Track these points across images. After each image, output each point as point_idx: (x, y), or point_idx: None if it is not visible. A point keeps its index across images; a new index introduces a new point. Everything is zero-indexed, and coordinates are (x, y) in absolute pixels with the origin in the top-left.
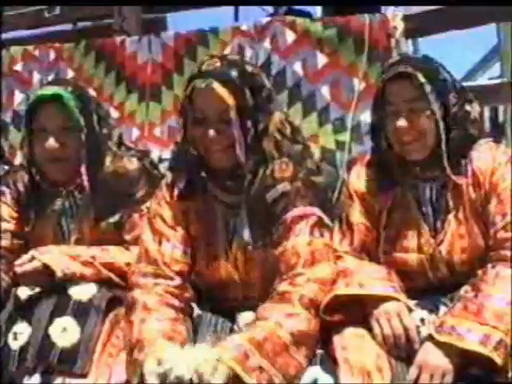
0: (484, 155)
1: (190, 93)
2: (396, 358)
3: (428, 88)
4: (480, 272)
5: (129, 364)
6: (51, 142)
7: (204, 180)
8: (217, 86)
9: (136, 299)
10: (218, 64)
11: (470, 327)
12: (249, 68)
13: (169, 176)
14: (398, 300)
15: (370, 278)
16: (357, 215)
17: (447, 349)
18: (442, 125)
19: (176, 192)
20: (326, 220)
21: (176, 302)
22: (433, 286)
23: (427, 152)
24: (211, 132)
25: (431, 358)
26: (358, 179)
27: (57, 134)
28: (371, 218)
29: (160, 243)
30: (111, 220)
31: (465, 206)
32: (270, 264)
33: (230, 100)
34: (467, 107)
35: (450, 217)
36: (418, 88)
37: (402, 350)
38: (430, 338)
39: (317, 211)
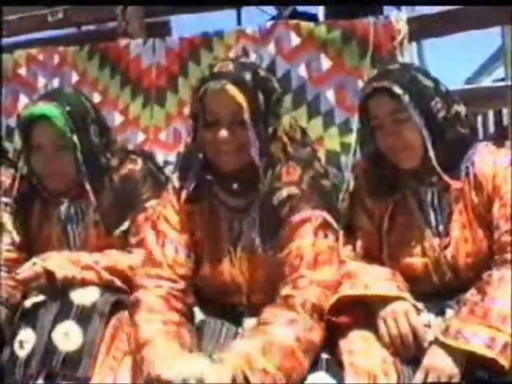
0: (485, 159)
1: (202, 95)
2: (403, 359)
3: (406, 99)
4: (485, 275)
5: (135, 364)
6: (47, 159)
7: (210, 184)
8: (231, 87)
9: (140, 300)
10: (231, 66)
11: (475, 330)
12: (261, 71)
13: (175, 179)
14: (404, 300)
15: (375, 279)
16: (359, 221)
17: (453, 352)
18: (425, 133)
19: (182, 195)
20: (332, 222)
21: (179, 306)
22: (438, 290)
23: (418, 160)
24: (223, 132)
25: (438, 361)
26: (358, 185)
27: (51, 151)
28: (373, 223)
29: (163, 245)
30: (122, 228)
31: (468, 209)
32: (275, 268)
33: (244, 102)
34: (457, 108)
35: (454, 221)
36: (397, 99)
37: (409, 351)
38: (437, 341)
39: (322, 213)
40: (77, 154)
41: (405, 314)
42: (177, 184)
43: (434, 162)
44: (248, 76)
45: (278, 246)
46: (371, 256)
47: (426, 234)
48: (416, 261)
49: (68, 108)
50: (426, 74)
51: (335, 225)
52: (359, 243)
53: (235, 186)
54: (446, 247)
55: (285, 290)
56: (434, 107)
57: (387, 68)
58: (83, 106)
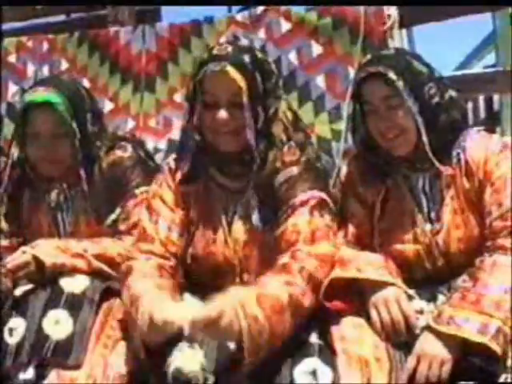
0: (477, 145)
1: (201, 77)
2: (395, 345)
3: (400, 84)
4: (477, 261)
5: (132, 320)
6: (44, 145)
7: (206, 165)
8: (230, 69)
9: (133, 267)
10: (230, 49)
11: (468, 317)
12: (258, 54)
13: (172, 160)
14: (396, 286)
15: (367, 265)
16: (350, 208)
17: (446, 339)
18: (419, 119)
19: (178, 176)
20: (329, 202)
21: (171, 279)
22: (430, 277)
23: (412, 146)
24: (223, 112)
25: (430, 347)
26: (349, 172)
27: (49, 138)
28: (365, 210)
29: (156, 223)
30: (113, 217)
31: (459, 195)
32: (269, 248)
33: (243, 84)
34: (450, 93)
35: (445, 207)
36: (391, 85)
37: (401, 337)
38: (429, 328)
39: (320, 194)
40: (74, 141)
41: (396, 301)
42: (173, 164)
43: (427, 148)
44: (247, 58)
45: (275, 226)
46: (363, 243)
47: (417, 220)
48: (408, 247)
49: (67, 95)
50: (420, 60)
51: (332, 205)
52: (351, 230)
53: (233, 168)
54: (437, 233)
55: (283, 260)
56: (428, 93)
57: (381, 53)
58: (80, 93)
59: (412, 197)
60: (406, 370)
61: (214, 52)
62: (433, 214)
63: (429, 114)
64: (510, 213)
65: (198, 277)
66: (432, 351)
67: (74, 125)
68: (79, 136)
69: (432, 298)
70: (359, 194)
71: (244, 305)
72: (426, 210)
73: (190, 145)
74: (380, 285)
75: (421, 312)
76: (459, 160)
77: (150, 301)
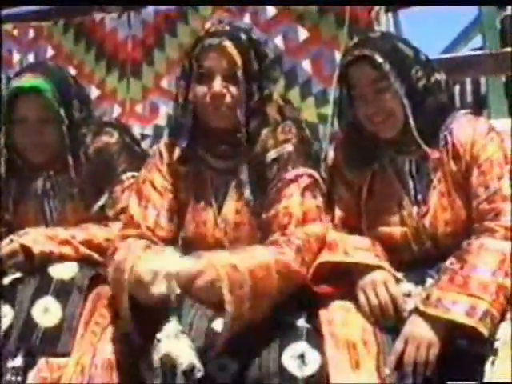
0: (464, 127)
1: (198, 52)
2: (383, 328)
3: (387, 67)
4: (465, 244)
5: (118, 282)
6: (31, 131)
7: (197, 147)
8: (228, 43)
9: (118, 247)
10: (228, 27)
11: (455, 299)
12: (254, 35)
13: (162, 145)
14: (383, 269)
15: (355, 249)
16: (337, 191)
17: (434, 321)
18: (406, 101)
19: (168, 159)
20: (320, 181)
21: None
22: (418, 259)
23: (398, 129)
24: (217, 83)
25: (417, 330)
26: (336, 156)
27: (37, 124)
28: (352, 193)
29: (146, 208)
30: (100, 203)
31: (446, 178)
32: (260, 229)
33: (239, 59)
34: (437, 76)
35: (432, 189)
36: (378, 68)
37: (389, 320)
38: (417, 310)
39: (311, 172)
40: (62, 127)
41: (384, 284)
42: (164, 149)
43: (414, 131)
44: (244, 36)
45: (266, 205)
46: (350, 226)
47: (404, 203)
48: (395, 230)
49: (54, 81)
50: (407, 43)
51: (322, 185)
52: (338, 214)
53: (223, 147)
54: (424, 215)
55: (272, 237)
56: (414, 76)
57: (368, 36)
58: (67, 79)
59: (398, 179)
60: (394, 353)
61: (212, 29)
62: (420, 197)
63: (416, 96)
64: (497, 195)
65: None
66: (420, 334)
67: (62, 111)
68: (67, 122)
69: (420, 281)
70: (346, 177)
71: (223, 257)
72: (412, 192)
73: (183, 124)
74: (368, 268)
75: (408, 295)
76: (446, 143)
77: (135, 257)
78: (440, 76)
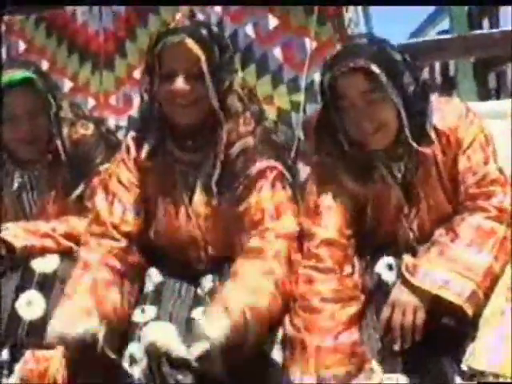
0: (444, 112)
1: (160, 49)
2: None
3: (384, 78)
4: (458, 218)
5: None
6: (23, 127)
7: (164, 140)
8: (189, 41)
9: (80, 257)
10: (187, 22)
11: (444, 276)
12: (214, 28)
13: (129, 138)
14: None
15: None
16: (336, 199)
17: (420, 293)
18: (403, 112)
19: (135, 153)
20: (287, 175)
21: (117, 264)
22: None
23: (391, 139)
24: (179, 81)
25: (403, 295)
26: (332, 164)
27: (27, 119)
28: (355, 202)
29: (112, 203)
30: (77, 192)
31: (432, 174)
32: (231, 220)
33: (202, 55)
34: (422, 77)
35: (420, 190)
36: (373, 79)
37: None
38: (403, 279)
39: (278, 165)
40: (51, 114)
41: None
42: (131, 143)
43: (410, 140)
44: (204, 31)
45: (235, 199)
46: (345, 233)
47: (399, 206)
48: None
49: (37, 72)
50: (392, 46)
51: (289, 178)
52: (333, 220)
53: (189, 141)
54: (414, 216)
55: (253, 243)
56: (406, 83)
57: (355, 43)
58: (43, 70)
59: (395, 184)
60: (382, 320)
61: (172, 25)
62: (409, 197)
63: (408, 104)
64: (486, 180)
65: (162, 252)
66: (406, 299)
67: (50, 96)
68: (55, 110)
69: (399, 254)
70: (348, 187)
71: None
72: (403, 196)
73: (149, 120)
74: None
75: (390, 267)
76: (436, 134)
77: (63, 308)
78: (423, 75)
